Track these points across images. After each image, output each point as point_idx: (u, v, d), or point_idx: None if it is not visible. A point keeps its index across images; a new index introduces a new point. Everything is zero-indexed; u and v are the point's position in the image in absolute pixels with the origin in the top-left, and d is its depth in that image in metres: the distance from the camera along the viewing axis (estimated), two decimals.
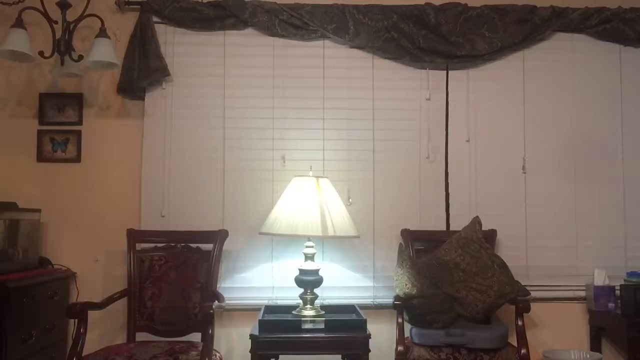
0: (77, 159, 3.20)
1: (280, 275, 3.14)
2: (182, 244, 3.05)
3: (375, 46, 3.26)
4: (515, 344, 2.72)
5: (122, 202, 3.18)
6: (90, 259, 3.13)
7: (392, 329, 2.87)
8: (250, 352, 2.54)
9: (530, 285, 3.05)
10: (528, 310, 2.77)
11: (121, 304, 2.93)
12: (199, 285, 2.96)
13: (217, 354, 2.73)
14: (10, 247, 2.80)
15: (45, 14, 2.84)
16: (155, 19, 3.22)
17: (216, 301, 2.71)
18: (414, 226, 3.20)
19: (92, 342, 2.77)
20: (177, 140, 3.23)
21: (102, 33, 2.89)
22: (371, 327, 2.58)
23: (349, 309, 2.90)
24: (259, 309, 2.86)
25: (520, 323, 2.72)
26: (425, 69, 3.33)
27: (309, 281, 2.75)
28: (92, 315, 2.66)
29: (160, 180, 3.20)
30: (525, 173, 3.32)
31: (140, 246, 3.03)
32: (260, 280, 3.17)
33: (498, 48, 3.27)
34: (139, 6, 3.20)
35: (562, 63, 3.37)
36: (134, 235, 3.02)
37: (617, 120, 3.37)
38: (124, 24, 3.22)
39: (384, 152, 3.28)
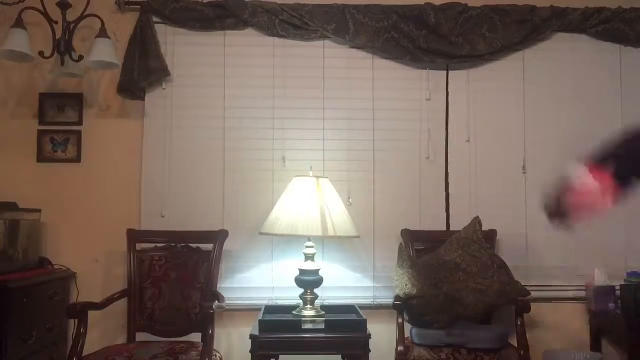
0: (77, 159, 3.20)
1: (280, 275, 3.14)
2: (182, 244, 3.04)
3: (375, 46, 3.26)
4: (515, 344, 2.72)
5: (122, 202, 3.18)
6: (90, 259, 3.13)
7: (392, 329, 2.86)
8: (250, 352, 2.54)
9: (530, 285, 3.05)
10: (528, 310, 2.77)
11: (121, 304, 2.93)
12: (199, 285, 2.96)
13: (217, 354, 2.73)
14: (10, 247, 2.80)
15: (45, 14, 2.84)
16: (155, 18, 3.21)
17: (216, 301, 2.70)
18: (414, 226, 3.20)
19: (92, 342, 2.76)
20: (177, 140, 3.23)
21: (102, 33, 2.89)
22: (371, 327, 2.58)
23: (349, 309, 2.90)
24: (259, 309, 2.86)
25: (520, 323, 2.72)
26: (425, 69, 3.33)
27: (309, 281, 2.75)
28: (92, 315, 2.66)
29: (160, 180, 3.20)
30: (525, 173, 3.32)
31: (140, 246, 3.03)
32: (260, 280, 3.17)
33: (498, 48, 3.27)
34: (139, 6, 3.20)
35: (562, 63, 3.37)
36: (133, 235, 3.01)
37: (617, 120, 3.36)
38: (124, 24, 3.21)
39: (384, 152, 3.28)
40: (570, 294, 3.24)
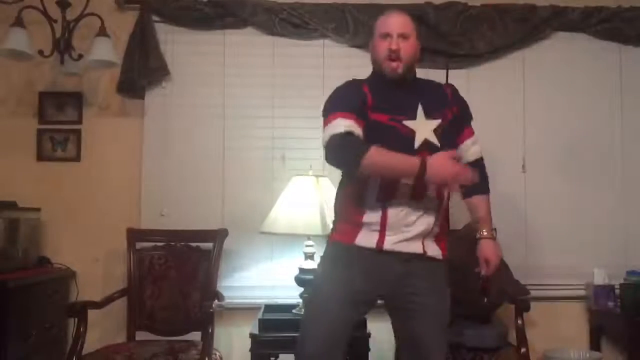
0: (76, 158, 3.19)
1: (280, 274, 3.13)
2: (182, 243, 3.04)
3: None
4: (515, 343, 2.72)
5: (122, 201, 3.18)
6: (90, 258, 3.13)
7: (392, 329, 2.85)
8: (250, 351, 2.54)
9: (530, 285, 3.05)
10: (528, 309, 2.77)
11: (121, 303, 2.93)
12: (199, 284, 2.96)
13: (217, 353, 2.73)
14: (10, 246, 2.80)
15: (45, 13, 2.85)
16: (155, 17, 3.21)
17: (216, 300, 2.71)
18: None
19: (92, 342, 2.76)
20: (177, 140, 3.22)
21: (102, 32, 2.89)
22: (371, 327, 2.58)
23: None
24: (259, 308, 2.86)
25: (520, 322, 2.72)
26: (425, 68, 3.31)
27: (309, 280, 2.74)
28: (92, 314, 2.66)
29: (160, 179, 3.19)
30: (525, 172, 3.31)
31: (140, 245, 3.03)
32: (260, 279, 3.17)
33: (498, 47, 3.27)
34: (139, 5, 3.19)
35: (562, 62, 3.37)
36: (133, 235, 3.01)
37: (617, 120, 3.37)
38: (124, 23, 3.21)
39: None
40: (570, 293, 3.24)
